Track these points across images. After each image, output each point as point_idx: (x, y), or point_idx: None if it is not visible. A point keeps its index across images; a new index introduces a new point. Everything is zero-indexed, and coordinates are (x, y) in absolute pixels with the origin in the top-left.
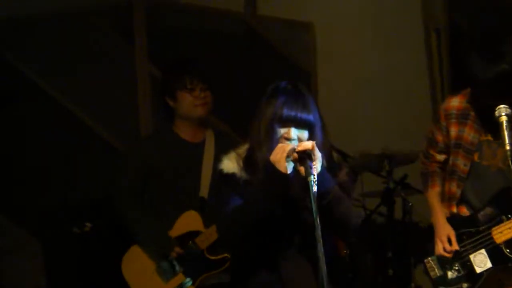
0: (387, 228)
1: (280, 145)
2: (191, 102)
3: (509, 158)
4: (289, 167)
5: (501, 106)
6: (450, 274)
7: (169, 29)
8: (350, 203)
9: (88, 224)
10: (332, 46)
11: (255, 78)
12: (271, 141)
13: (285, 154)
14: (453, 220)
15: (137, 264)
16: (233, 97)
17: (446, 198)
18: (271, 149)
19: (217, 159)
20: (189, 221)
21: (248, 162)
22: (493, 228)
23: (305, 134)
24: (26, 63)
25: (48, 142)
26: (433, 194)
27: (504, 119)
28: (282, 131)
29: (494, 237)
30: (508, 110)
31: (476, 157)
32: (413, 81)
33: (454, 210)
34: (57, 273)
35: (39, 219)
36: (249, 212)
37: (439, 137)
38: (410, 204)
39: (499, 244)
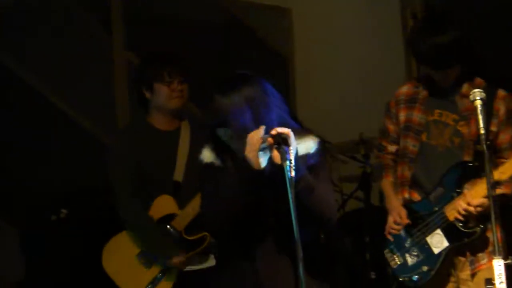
0: (364, 213)
1: (250, 136)
2: (168, 94)
3: (483, 142)
4: (264, 160)
5: (476, 90)
6: (410, 261)
7: (148, 17)
8: (326, 193)
9: (64, 211)
10: (310, 32)
11: (235, 64)
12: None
13: (257, 147)
14: (406, 206)
15: (117, 255)
16: (212, 84)
17: (399, 184)
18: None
19: (193, 146)
20: (163, 205)
21: (225, 152)
22: (445, 206)
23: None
24: (6, 52)
25: (25, 132)
26: (387, 183)
27: (478, 103)
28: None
29: (447, 214)
30: (482, 94)
31: (424, 137)
32: (390, 67)
33: (406, 195)
34: (35, 261)
35: (19, 207)
36: (227, 200)
37: (390, 127)
38: None
39: (453, 221)
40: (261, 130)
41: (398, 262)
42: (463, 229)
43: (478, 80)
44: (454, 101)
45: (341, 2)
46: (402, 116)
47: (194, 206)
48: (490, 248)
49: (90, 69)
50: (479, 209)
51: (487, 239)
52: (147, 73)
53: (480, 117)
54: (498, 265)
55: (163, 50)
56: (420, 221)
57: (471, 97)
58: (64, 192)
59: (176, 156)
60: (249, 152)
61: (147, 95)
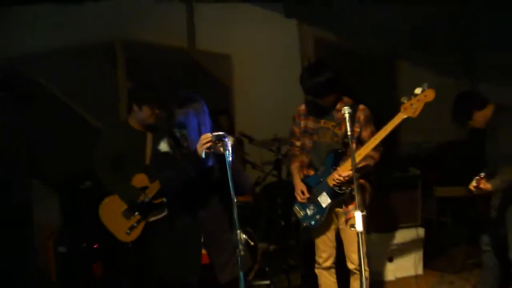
0: (277, 185)
1: (203, 137)
2: (149, 115)
3: (350, 139)
4: (203, 153)
5: (345, 107)
6: (309, 212)
7: (139, 58)
8: (239, 166)
9: (88, 182)
10: (243, 69)
11: (195, 90)
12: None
13: (203, 144)
14: (306, 179)
15: (109, 209)
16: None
17: (303, 166)
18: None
19: (155, 140)
20: (140, 180)
21: (173, 148)
22: (327, 177)
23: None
24: (46, 77)
25: (59, 130)
26: (294, 167)
27: (346, 115)
28: (176, 131)
29: (328, 182)
30: (349, 110)
31: (315, 137)
32: (295, 91)
33: (305, 172)
34: (68, 216)
35: (57, 178)
36: (177, 175)
37: (296, 130)
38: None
39: (332, 186)
40: (209, 134)
41: (302, 214)
42: (338, 191)
43: (347, 99)
44: (332, 113)
45: (264, 52)
46: (302, 123)
47: (157, 182)
48: (355, 204)
49: (103, 90)
50: (346, 178)
51: (353, 197)
52: (142, 96)
53: (348, 123)
54: (358, 215)
55: (154, 84)
56: (314, 187)
57: (342, 111)
58: (87, 169)
59: (146, 147)
60: (199, 147)
61: (135, 109)
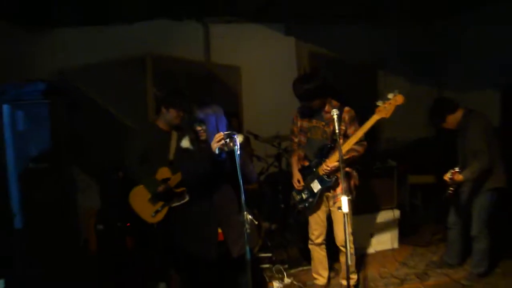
0: (278, 174)
1: (216, 135)
2: (175, 116)
3: (338, 136)
4: (216, 150)
5: (334, 110)
6: (304, 196)
7: (165, 70)
8: (247, 160)
9: (120, 173)
10: (250, 78)
11: (211, 96)
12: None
13: (217, 142)
14: (302, 169)
15: (138, 197)
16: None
17: (300, 159)
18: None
19: (178, 139)
20: (163, 173)
21: (193, 144)
22: (318, 168)
23: (203, 127)
24: (88, 86)
25: (98, 128)
26: (293, 160)
27: (335, 116)
28: (197, 126)
29: (319, 172)
30: (338, 112)
31: (309, 135)
32: (293, 97)
33: (301, 163)
34: (105, 200)
35: (97, 169)
36: (195, 168)
37: (294, 129)
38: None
39: (322, 175)
40: (221, 133)
41: (298, 198)
42: (326, 179)
43: (334, 102)
44: (321, 114)
45: (265, 63)
46: (299, 123)
47: (179, 174)
48: (341, 190)
49: (134, 96)
50: (333, 168)
51: (339, 184)
52: (171, 100)
53: (336, 123)
54: (344, 199)
55: (182, 91)
56: (308, 176)
57: (331, 113)
58: (120, 162)
59: (170, 145)
60: (213, 144)
61: (163, 110)
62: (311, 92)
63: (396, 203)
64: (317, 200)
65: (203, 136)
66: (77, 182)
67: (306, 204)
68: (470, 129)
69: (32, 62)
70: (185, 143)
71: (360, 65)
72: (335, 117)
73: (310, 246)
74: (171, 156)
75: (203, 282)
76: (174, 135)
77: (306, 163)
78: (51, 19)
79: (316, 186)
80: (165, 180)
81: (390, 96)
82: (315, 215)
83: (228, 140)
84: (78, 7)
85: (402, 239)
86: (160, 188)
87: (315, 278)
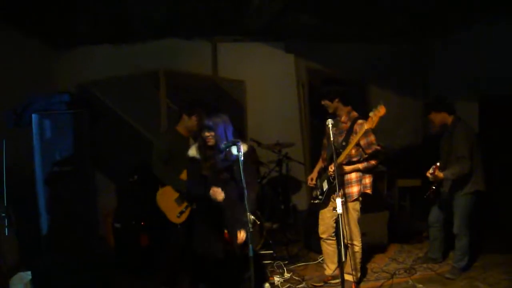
0: (279, 178)
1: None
2: (195, 123)
3: (332, 145)
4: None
5: (329, 120)
6: (318, 193)
7: (176, 84)
8: (251, 167)
9: (135, 176)
10: (254, 91)
11: (218, 107)
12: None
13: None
14: (321, 169)
15: (164, 197)
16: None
17: (323, 159)
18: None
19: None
20: (184, 175)
21: (200, 150)
22: (329, 166)
23: (212, 133)
24: (107, 98)
25: (116, 135)
26: (319, 162)
27: (330, 125)
28: (205, 132)
29: (328, 173)
30: (332, 121)
31: (330, 140)
32: (292, 108)
33: (323, 164)
34: (122, 200)
35: (114, 173)
36: (202, 176)
37: (325, 141)
38: (289, 166)
39: (330, 175)
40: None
41: (314, 194)
42: (331, 180)
43: (354, 113)
44: (339, 125)
45: (269, 77)
46: (327, 128)
47: None
48: (337, 192)
49: (149, 107)
50: (335, 172)
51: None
52: (192, 108)
53: (331, 132)
54: (338, 201)
55: (203, 100)
56: (322, 175)
57: (327, 122)
58: (135, 166)
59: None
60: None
61: (185, 117)
62: (328, 92)
63: (386, 205)
64: (325, 198)
65: (210, 142)
66: (96, 184)
67: (316, 201)
68: (457, 135)
69: (56, 76)
70: (192, 152)
71: (353, 80)
72: (330, 126)
73: (321, 241)
74: None
75: (212, 279)
76: (192, 142)
77: (326, 164)
78: (74, 38)
79: (325, 186)
80: None
81: (374, 109)
82: (323, 212)
83: (234, 146)
84: (97, 27)
85: (391, 237)
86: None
87: (324, 269)
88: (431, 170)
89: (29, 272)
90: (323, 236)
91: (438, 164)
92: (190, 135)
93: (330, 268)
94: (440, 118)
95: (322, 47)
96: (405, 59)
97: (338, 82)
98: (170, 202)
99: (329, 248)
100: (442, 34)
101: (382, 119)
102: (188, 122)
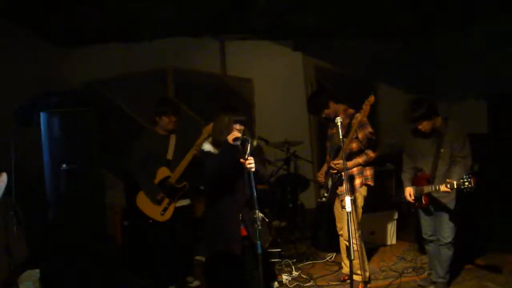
0: (287, 176)
1: (232, 133)
2: (168, 121)
3: (341, 141)
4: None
5: (337, 117)
6: (325, 191)
7: (184, 82)
8: (264, 167)
9: None
10: (261, 89)
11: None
12: (231, 130)
13: (233, 137)
14: (327, 168)
15: (143, 199)
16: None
17: (327, 162)
18: (228, 135)
19: (178, 140)
20: (163, 172)
21: (215, 144)
22: (331, 162)
23: (243, 127)
24: (115, 96)
25: (124, 133)
26: (327, 159)
27: (338, 124)
28: (237, 126)
29: (330, 164)
30: (341, 119)
31: (332, 141)
32: (300, 106)
33: (329, 165)
34: (130, 196)
35: (121, 172)
36: (218, 165)
37: (327, 144)
38: (297, 164)
39: (331, 170)
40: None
41: (321, 192)
42: (334, 176)
43: (350, 110)
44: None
45: (277, 76)
46: (328, 132)
47: (178, 171)
48: (344, 189)
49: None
50: (337, 167)
51: (342, 183)
52: (160, 109)
53: (340, 130)
54: (347, 199)
55: (167, 98)
56: (328, 173)
57: (335, 120)
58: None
59: (168, 146)
60: (230, 138)
61: (157, 119)
62: (318, 105)
63: (395, 204)
64: (331, 195)
65: (236, 137)
66: (105, 181)
67: (323, 199)
68: (455, 135)
69: (64, 75)
70: (207, 146)
71: (360, 77)
72: (339, 124)
73: (340, 237)
74: (169, 156)
75: (227, 276)
76: (173, 137)
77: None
78: (82, 36)
79: (330, 182)
80: (166, 178)
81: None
82: (335, 209)
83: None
84: (105, 25)
85: (399, 235)
86: (159, 197)
87: (342, 267)
88: (412, 197)
89: (38, 270)
90: (341, 232)
91: (448, 186)
92: (169, 133)
93: (347, 265)
94: (432, 123)
95: (330, 45)
96: (413, 57)
97: (322, 89)
98: (150, 203)
99: (346, 243)
100: (449, 31)
101: (382, 116)
102: (161, 123)
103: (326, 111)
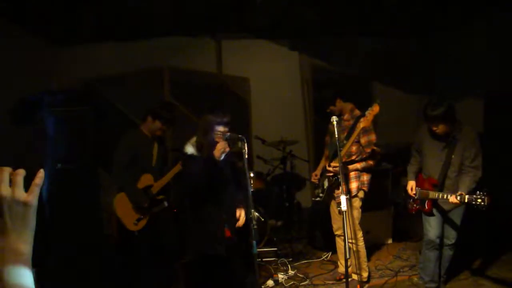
0: (283, 175)
1: (219, 144)
2: (159, 128)
3: (337, 143)
4: (221, 157)
5: (333, 117)
6: (320, 191)
7: (180, 81)
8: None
9: None
10: (258, 89)
11: (223, 105)
12: (212, 133)
13: (220, 151)
14: (324, 167)
15: (122, 203)
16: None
17: (326, 157)
18: (211, 138)
19: (159, 150)
20: (146, 179)
21: (198, 147)
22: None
23: (226, 129)
24: (111, 95)
25: (121, 133)
26: (323, 160)
27: (334, 122)
28: (220, 128)
29: (327, 168)
30: (337, 118)
31: (332, 138)
32: (295, 104)
33: (326, 162)
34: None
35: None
36: (201, 172)
37: (327, 139)
38: (294, 163)
39: (328, 173)
40: (224, 143)
41: (316, 192)
42: (331, 178)
43: (357, 111)
44: (342, 123)
45: (273, 75)
46: (330, 127)
47: (160, 183)
48: (341, 191)
49: (152, 104)
50: (334, 169)
51: (339, 185)
52: (160, 112)
53: (336, 129)
54: (343, 198)
55: (172, 105)
56: (325, 173)
57: (331, 120)
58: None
59: (153, 151)
60: (216, 152)
61: (149, 119)
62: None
63: (391, 203)
64: (326, 196)
65: (219, 139)
66: (101, 181)
67: (318, 198)
68: (470, 142)
69: (61, 74)
70: (190, 149)
71: (357, 77)
72: (335, 123)
73: (335, 237)
74: (153, 163)
75: (215, 277)
76: (155, 144)
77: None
78: (79, 35)
79: (325, 183)
80: (148, 187)
81: (370, 107)
82: (331, 210)
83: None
84: (102, 24)
85: (395, 234)
86: (145, 204)
87: (338, 266)
88: (414, 191)
89: (33, 270)
90: (337, 232)
91: (458, 197)
92: (153, 138)
93: (343, 265)
94: (448, 127)
95: (326, 44)
96: (410, 56)
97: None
98: (127, 209)
99: (342, 243)
100: (447, 30)
101: (379, 116)
102: (151, 125)
103: (332, 107)
